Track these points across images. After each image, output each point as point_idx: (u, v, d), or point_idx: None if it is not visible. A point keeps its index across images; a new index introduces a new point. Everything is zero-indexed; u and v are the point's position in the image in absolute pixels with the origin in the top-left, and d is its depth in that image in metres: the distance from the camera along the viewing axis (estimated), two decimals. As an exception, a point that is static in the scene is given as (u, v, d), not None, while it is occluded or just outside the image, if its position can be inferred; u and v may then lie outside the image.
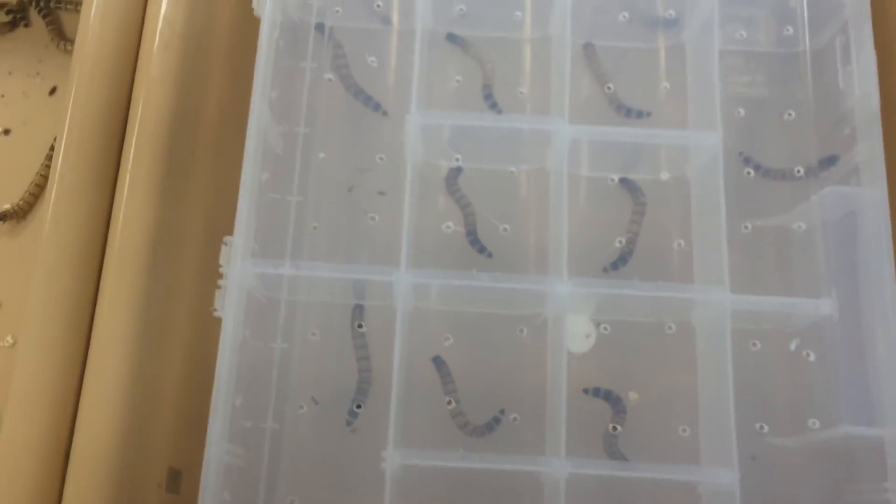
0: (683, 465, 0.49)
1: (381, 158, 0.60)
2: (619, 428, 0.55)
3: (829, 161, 0.58)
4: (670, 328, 0.56)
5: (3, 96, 0.67)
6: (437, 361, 0.55)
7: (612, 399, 0.56)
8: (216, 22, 0.61)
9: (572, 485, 0.49)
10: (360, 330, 0.56)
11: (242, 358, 0.50)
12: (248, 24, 0.56)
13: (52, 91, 0.67)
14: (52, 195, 0.52)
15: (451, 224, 0.58)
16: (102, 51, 0.55)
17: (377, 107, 0.61)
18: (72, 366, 0.51)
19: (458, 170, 0.60)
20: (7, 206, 0.63)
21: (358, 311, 0.57)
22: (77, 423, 0.49)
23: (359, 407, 0.55)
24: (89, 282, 0.52)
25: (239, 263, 0.50)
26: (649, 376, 0.56)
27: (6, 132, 0.66)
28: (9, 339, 0.62)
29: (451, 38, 0.62)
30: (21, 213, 0.64)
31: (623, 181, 0.59)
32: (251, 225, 0.52)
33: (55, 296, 0.51)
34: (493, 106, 0.61)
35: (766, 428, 0.53)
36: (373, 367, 0.56)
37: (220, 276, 0.51)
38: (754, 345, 0.54)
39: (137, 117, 0.54)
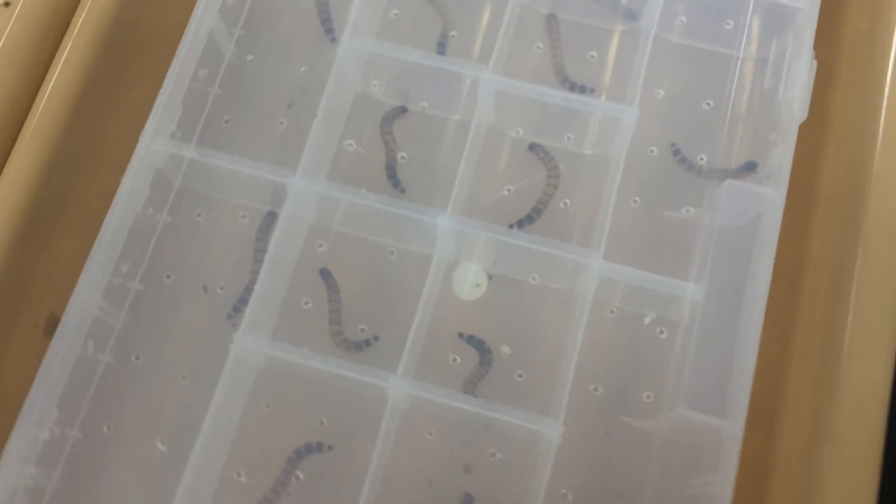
0: (516, 410, 0.50)
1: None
2: (480, 377, 0.56)
3: (749, 167, 0.58)
4: (554, 290, 0.57)
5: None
6: (324, 273, 0.57)
7: (483, 349, 0.57)
8: None
9: (413, 405, 0.51)
10: (262, 238, 0.59)
11: (131, 223, 0.53)
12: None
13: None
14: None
15: (353, 143, 0.60)
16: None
17: (330, 31, 0.63)
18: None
19: (403, 109, 0.61)
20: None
21: (269, 218, 0.59)
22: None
23: (238, 309, 0.57)
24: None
25: (147, 137, 0.54)
26: (524, 334, 0.57)
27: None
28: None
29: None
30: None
31: (533, 147, 0.60)
32: (167, 107, 0.55)
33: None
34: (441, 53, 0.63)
35: (601, 390, 0.53)
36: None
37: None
38: (612, 311, 0.54)
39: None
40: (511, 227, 0.58)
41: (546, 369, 0.55)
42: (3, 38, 0.56)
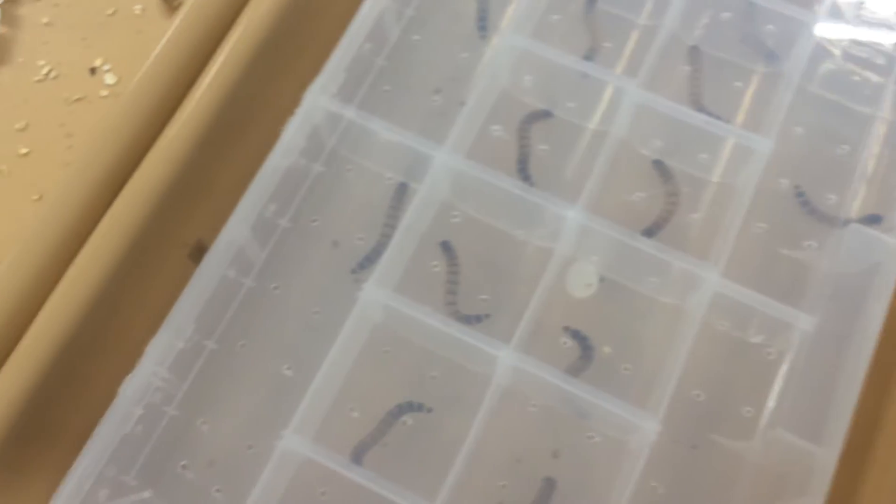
0: (621, 401, 0.52)
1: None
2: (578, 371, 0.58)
3: (873, 219, 0.59)
4: (663, 301, 0.59)
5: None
6: (446, 245, 0.61)
7: (585, 345, 0.59)
8: None
9: (519, 380, 0.53)
10: (395, 206, 0.63)
11: (285, 168, 0.58)
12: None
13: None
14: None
15: (498, 128, 0.63)
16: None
17: (483, 28, 0.68)
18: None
19: (547, 113, 0.65)
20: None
21: (401, 188, 0.63)
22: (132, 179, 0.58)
23: (364, 266, 0.61)
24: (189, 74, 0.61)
25: (314, 94, 0.58)
26: (628, 338, 0.59)
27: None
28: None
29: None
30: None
31: (657, 164, 0.63)
32: (339, 70, 0.59)
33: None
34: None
35: (702, 396, 0.55)
36: (392, 240, 0.62)
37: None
38: (721, 327, 0.56)
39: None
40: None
41: (648, 371, 0.57)
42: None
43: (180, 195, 0.57)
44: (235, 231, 0.55)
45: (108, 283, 0.53)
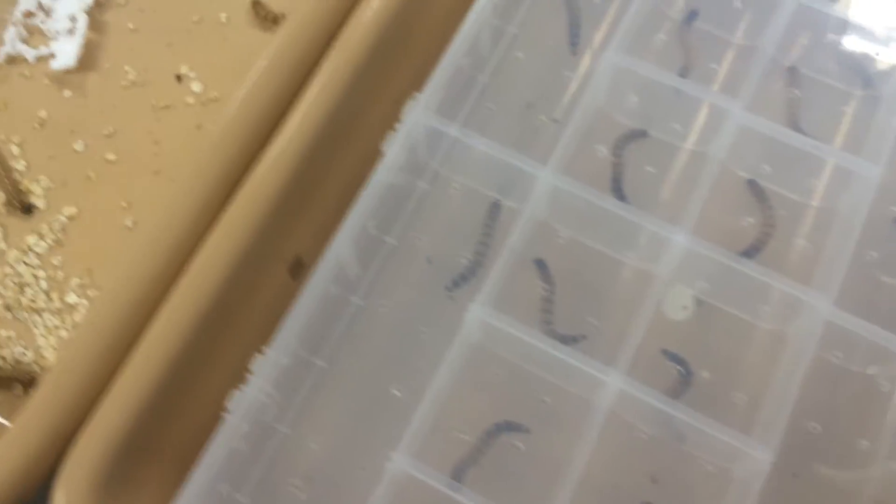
0: (728, 428, 0.52)
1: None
2: (677, 395, 0.58)
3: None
4: (763, 327, 0.59)
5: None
6: (540, 264, 0.61)
7: (684, 369, 0.59)
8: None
9: (621, 403, 0.53)
10: (489, 223, 0.63)
11: (389, 186, 0.58)
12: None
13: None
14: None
15: (602, 149, 0.63)
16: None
17: (574, 43, 0.67)
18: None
19: (643, 133, 0.64)
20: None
21: (495, 207, 0.63)
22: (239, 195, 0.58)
23: (458, 283, 0.61)
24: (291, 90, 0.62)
25: (418, 111, 0.58)
26: (727, 363, 0.59)
27: None
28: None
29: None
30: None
31: (752, 184, 0.62)
32: (439, 87, 0.59)
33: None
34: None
35: (817, 427, 0.55)
36: (487, 258, 0.62)
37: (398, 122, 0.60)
38: (836, 357, 0.56)
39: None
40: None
41: (751, 398, 0.56)
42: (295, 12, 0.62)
43: (282, 212, 0.57)
44: (340, 248, 0.55)
45: (214, 300, 0.54)
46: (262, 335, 0.56)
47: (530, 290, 0.60)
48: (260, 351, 0.53)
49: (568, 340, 0.59)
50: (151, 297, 0.53)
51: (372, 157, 0.61)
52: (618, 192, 0.63)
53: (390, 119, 0.61)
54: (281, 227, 0.57)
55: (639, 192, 0.63)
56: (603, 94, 0.62)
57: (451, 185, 0.63)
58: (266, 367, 0.52)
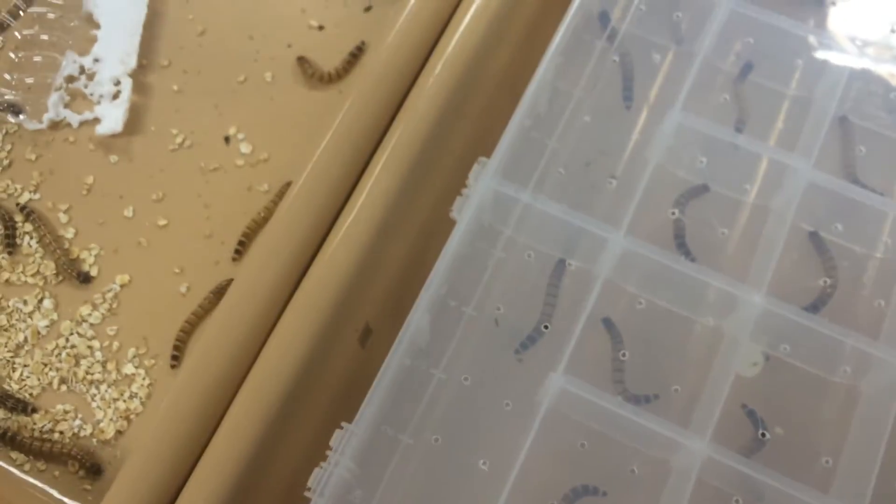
0: (815, 491, 0.51)
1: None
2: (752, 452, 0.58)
3: None
4: (836, 386, 0.59)
5: (328, -1, 0.79)
6: (607, 323, 0.60)
7: (758, 427, 0.58)
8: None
9: (697, 463, 0.53)
10: (555, 283, 0.62)
11: (462, 254, 0.57)
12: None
13: (367, 9, 0.78)
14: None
15: (675, 211, 0.63)
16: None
17: (628, 99, 0.68)
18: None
19: (705, 188, 0.65)
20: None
21: (560, 266, 0.63)
22: (312, 268, 0.58)
23: (526, 346, 0.61)
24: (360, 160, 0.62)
25: (488, 177, 0.58)
26: (800, 419, 0.58)
27: (321, 27, 0.78)
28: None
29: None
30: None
31: (813, 237, 0.63)
32: (507, 152, 0.59)
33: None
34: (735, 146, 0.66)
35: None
36: (554, 319, 0.61)
37: (465, 186, 0.59)
38: None
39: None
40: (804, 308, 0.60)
41: (831, 455, 0.56)
42: (368, 78, 0.62)
43: (354, 282, 0.57)
44: (417, 319, 0.54)
45: (293, 376, 0.53)
46: (335, 408, 0.56)
47: (601, 352, 0.60)
48: (339, 426, 0.52)
49: (641, 401, 0.59)
50: (230, 374, 0.53)
51: (437, 221, 0.61)
52: (682, 248, 0.63)
53: (454, 183, 0.61)
54: (353, 295, 0.57)
55: (703, 249, 0.63)
56: (665, 151, 0.63)
57: (516, 248, 0.62)
58: (348, 442, 0.51)
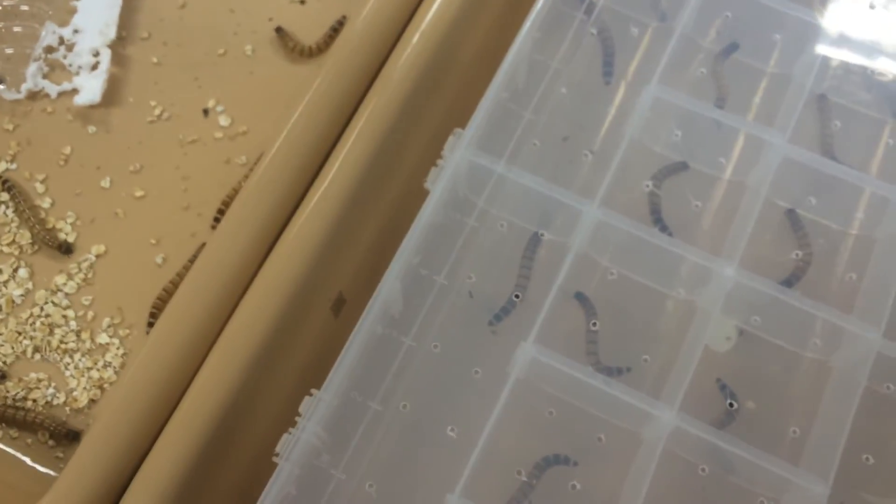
0: (784, 462, 0.51)
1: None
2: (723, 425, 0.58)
3: None
4: (808, 357, 0.59)
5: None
6: (580, 296, 0.60)
7: (730, 400, 0.59)
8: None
9: (668, 435, 0.53)
10: (529, 255, 0.62)
11: (435, 224, 0.57)
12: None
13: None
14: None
15: (649, 184, 0.63)
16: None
17: (608, 74, 0.67)
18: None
19: (684, 165, 0.64)
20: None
21: (534, 238, 0.63)
22: (283, 237, 0.58)
23: (500, 318, 0.61)
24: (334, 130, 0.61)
25: (463, 148, 0.58)
26: (771, 393, 0.59)
27: (302, 1, 0.77)
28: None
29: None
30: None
31: (790, 214, 0.63)
32: (483, 123, 0.59)
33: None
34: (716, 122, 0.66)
35: (872, 460, 0.55)
36: (527, 291, 0.61)
37: (440, 158, 0.59)
38: (888, 388, 0.56)
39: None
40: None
41: (800, 428, 0.56)
42: (344, 48, 0.61)
43: (327, 250, 0.57)
44: (388, 287, 0.54)
45: (263, 341, 0.53)
46: (307, 375, 0.56)
47: (574, 324, 0.60)
48: (309, 393, 0.52)
49: (613, 373, 0.59)
50: (199, 340, 0.52)
51: (411, 192, 0.61)
52: (658, 223, 0.63)
53: (429, 154, 0.61)
54: (325, 264, 0.57)
55: (679, 223, 0.63)
56: (642, 126, 0.62)
57: (490, 219, 0.62)
58: (316, 409, 0.51)
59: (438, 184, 0.57)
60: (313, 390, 0.52)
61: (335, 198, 0.56)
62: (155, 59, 0.75)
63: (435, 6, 0.62)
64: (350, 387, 0.53)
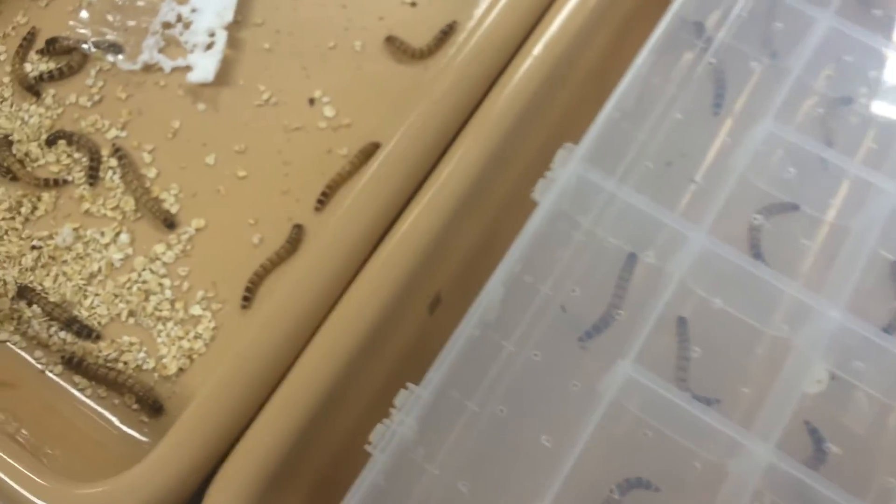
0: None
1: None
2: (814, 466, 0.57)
3: None
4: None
5: (423, -23, 0.80)
6: (682, 322, 0.60)
7: (818, 442, 0.58)
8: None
9: (754, 469, 0.52)
10: (625, 276, 0.63)
11: (540, 234, 0.58)
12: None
13: (461, -11, 0.79)
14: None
15: (758, 217, 0.63)
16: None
17: (718, 105, 0.68)
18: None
19: (794, 206, 0.64)
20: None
21: (632, 259, 0.63)
22: (391, 234, 0.59)
23: (591, 335, 0.61)
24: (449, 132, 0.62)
25: (575, 162, 0.58)
26: (856, 441, 0.58)
27: (413, 4, 0.79)
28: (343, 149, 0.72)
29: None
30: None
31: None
32: (595, 139, 0.60)
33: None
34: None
35: None
36: (622, 309, 0.61)
37: (548, 170, 0.60)
38: None
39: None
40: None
41: (892, 475, 0.56)
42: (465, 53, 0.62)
43: (432, 250, 0.57)
44: (492, 291, 0.55)
45: (365, 333, 0.54)
46: (400, 369, 0.56)
47: (664, 349, 0.60)
48: (404, 386, 0.53)
49: (703, 402, 0.59)
50: (304, 327, 0.53)
51: (514, 200, 0.61)
52: (759, 258, 0.63)
53: (535, 165, 0.61)
54: (428, 265, 0.57)
55: (780, 261, 0.63)
56: (752, 159, 0.63)
57: (591, 234, 0.63)
58: (413, 403, 0.52)
59: (548, 195, 0.58)
60: (410, 385, 0.53)
61: (446, 200, 0.57)
62: (267, 46, 0.77)
63: (560, 19, 0.63)
64: (448, 384, 0.53)
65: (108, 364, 0.63)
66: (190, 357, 0.64)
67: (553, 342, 0.60)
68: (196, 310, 0.66)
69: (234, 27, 0.77)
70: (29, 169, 0.70)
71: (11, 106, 0.73)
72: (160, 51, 0.76)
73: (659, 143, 0.66)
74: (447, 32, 0.76)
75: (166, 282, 0.67)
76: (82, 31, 0.76)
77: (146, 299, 0.66)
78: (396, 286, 0.55)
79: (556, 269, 0.61)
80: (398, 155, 0.59)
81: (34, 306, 0.65)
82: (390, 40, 0.76)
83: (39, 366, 0.63)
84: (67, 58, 0.75)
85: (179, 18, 0.77)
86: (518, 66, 0.61)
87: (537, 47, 0.62)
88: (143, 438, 0.62)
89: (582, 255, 0.62)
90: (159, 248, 0.68)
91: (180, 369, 0.64)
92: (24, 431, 0.58)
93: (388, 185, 0.58)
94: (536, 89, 0.61)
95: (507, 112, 0.60)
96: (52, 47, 0.75)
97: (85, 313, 0.65)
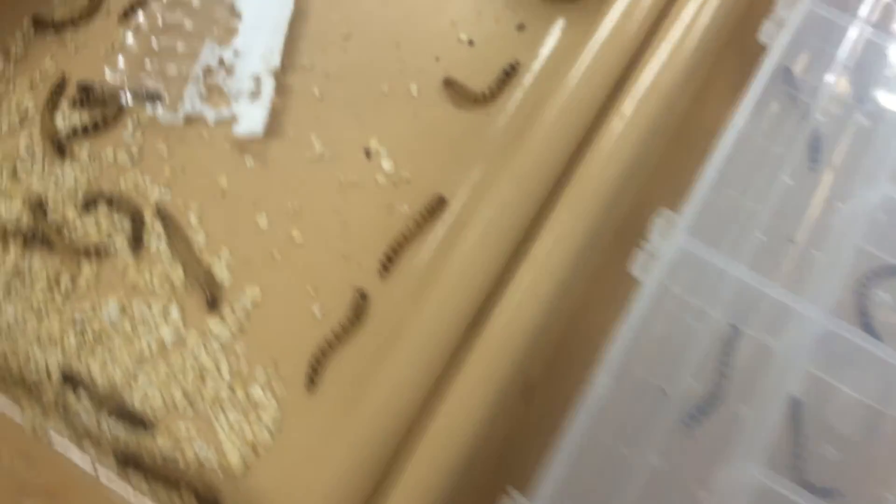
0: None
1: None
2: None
3: None
4: None
5: (479, 13, 0.74)
6: (795, 403, 0.56)
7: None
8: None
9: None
10: (727, 353, 0.58)
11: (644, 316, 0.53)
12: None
13: (520, 27, 0.74)
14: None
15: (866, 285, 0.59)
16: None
17: (814, 160, 0.63)
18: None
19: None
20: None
21: (734, 334, 0.58)
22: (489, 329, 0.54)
23: (696, 418, 0.56)
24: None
25: (678, 235, 0.53)
26: None
27: (470, 42, 0.73)
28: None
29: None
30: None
31: None
32: (699, 207, 0.55)
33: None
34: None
35: None
36: (727, 390, 0.57)
37: (643, 239, 0.55)
38: None
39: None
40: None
41: None
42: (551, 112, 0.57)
43: (532, 339, 0.52)
44: (600, 386, 0.50)
45: (469, 438, 0.49)
46: (500, 469, 0.52)
47: (777, 432, 0.55)
48: (505, 490, 0.48)
49: (822, 493, 0.54)
50: (400, 437, 0.48)
51: (605, 271, 0.57)
52: (869, 330, 0.58)
53: (625, 232, 0.56)
54: (528, 352, 0.52)
55: (890, 333, 0.58)
56: (862, 225, 0.58)
57: (689, 308, 0.58)
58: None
59: (652, 274, 0.53)
60: (515, 493, 0.48)
61: (547, 283, 0.52)
62: (317, 92, 0.71)
63: (654, 74, 0.58)
64: (558, 495, 0.48)
65: (166, 462, 0.58)
66: (255, 450, 0.59)
67: (669, 436, 0.55)
68: (257, 392, 0.60)
69: (280, 73, 0.71)
70: (66, 237, 0.64)
71: (43, 166, 0.67)
72: (203, 100, 0.70)
73: (769, 212, 0.61)
74: (509, 73, 0.71)
75: (222, 360, 0.61)
76: (117, 77, 0.70)
77: (202, 382, 0.61)
78: (500, 380, 0.50)
79: (655, 351, 0.56)
80: (485, 230, 0.53)
81: (81, 394, 0.59)
82: (449, 84, 0.71)
83: (90, 468, 0.57)
84: (102, 108, 0.69)
85: (221, 62, 0.71)
86: (611, 128, 0.56)
87: (627, 106, 0.57)
88: (205, 543, 0.56)
89: (677, 332, 0.57)
90: (213, 323, 0.62)
91: (246, 465, 0.58)
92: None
93: (478, 264, 0.52)
94: (632, 153, 0.56)
95: (604, 181, 0.55)
96: (87, 97, 0.68)
97: (137, 400, 0.60)
